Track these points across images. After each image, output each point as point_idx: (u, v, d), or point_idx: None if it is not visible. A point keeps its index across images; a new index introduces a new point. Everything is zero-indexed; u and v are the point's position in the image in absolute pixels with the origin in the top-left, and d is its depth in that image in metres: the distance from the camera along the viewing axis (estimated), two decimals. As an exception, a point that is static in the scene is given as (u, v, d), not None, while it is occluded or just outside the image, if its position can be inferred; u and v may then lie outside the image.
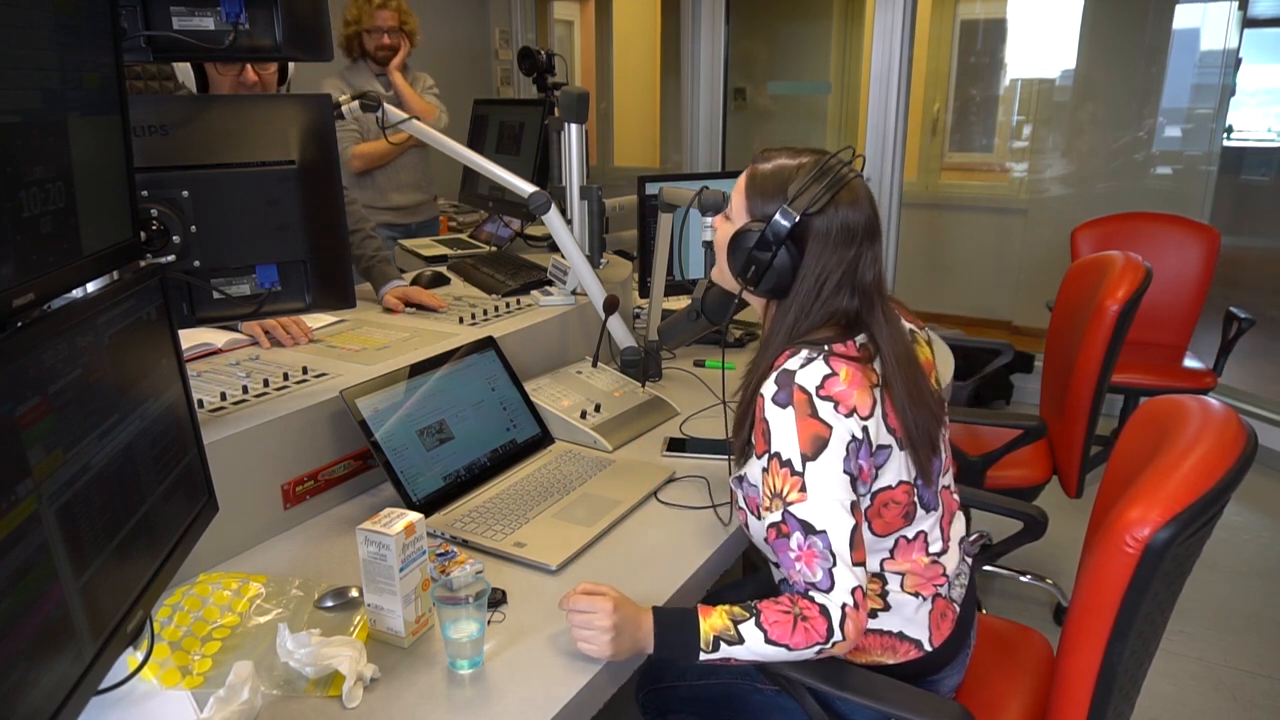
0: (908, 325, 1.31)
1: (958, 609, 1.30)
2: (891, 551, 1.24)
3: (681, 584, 1.28)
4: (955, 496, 1.37)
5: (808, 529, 1.11)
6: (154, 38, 1.25)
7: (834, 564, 1.10)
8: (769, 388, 1.16)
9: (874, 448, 1.16)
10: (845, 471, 1.12)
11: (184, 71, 2.01)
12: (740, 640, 1.09)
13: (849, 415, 1.13)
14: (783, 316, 1.23)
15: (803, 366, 1.16)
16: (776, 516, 1.14)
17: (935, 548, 1.27)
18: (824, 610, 1.08)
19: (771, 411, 1.15)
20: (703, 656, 1.10)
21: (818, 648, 1.08)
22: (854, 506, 1.13)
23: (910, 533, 1.24)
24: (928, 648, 1.26)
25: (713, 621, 1.10)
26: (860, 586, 1.10)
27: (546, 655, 1.11)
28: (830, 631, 1.08)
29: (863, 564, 1.13)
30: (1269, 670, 2.33)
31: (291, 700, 1.02)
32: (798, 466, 1.12)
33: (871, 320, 1.21)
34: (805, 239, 1.19)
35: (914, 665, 1.26)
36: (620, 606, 1.10)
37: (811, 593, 1.11)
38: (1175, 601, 1.22)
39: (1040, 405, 2.53)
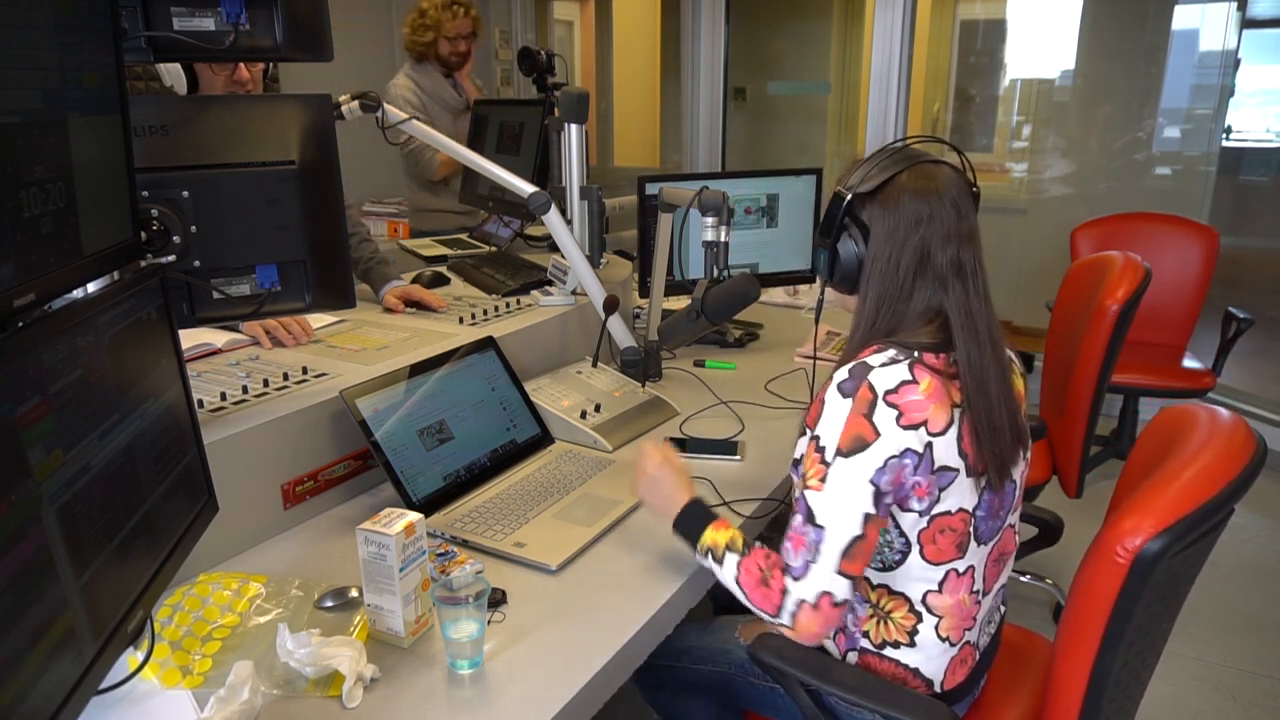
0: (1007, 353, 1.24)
1: (978, 656, 1.27)
2: (940, 585, 1.19)
3: (682, 583, 1.28)
4: (1016, 538, 1.31)
5: (809, 517, 1.11)
6: (154, 38, 1.25)
7: (815, 560, 1.10)
8: (841, 374, 1.14)
9: (935, 467, 1.11)
10: (872, 482, 1.09)
11: (174, 73, 2.01)
12: (720, 563, 1.19)
13: (914, 428, 1.09)
14: (862, 309, 1.20)
15: (884, 365, 1.11)
16: (796, 493, 1.15)
17: (979, 586, 1.23)
18: (784, 591, 1.12)
19: (832, 395, 1.13)
20: (695, 556, 1.24)
21: (766, 615, 1.14)
22: (869, 520, 1.10)
23: (961, 566, 1.19)
24: (938, 689, 1.24)
25: (715, 536, 1.21)
26: (830, 594, 1.10)
27: (546, 655, 1.11)
28: (780, 611, 1.12)
29: (852, 577, 1.11)
30: (1269, 670, 2.33)
31: (291, 700, 1.02)
32: (828, 456, 1.11)
33: (950, 307, 1.15)
34: (868, 223, 1.16)
35: None
36: (667, 468, 1.29)
37: (785, 572, 1.13)
38: (1176, 615, 1.20)
39: (1040, 405, 2.53)
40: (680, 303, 2.07)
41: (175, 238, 1.28)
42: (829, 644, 1.29)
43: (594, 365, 1.95)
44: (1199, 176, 4.22)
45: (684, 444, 1.73)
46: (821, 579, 1.10)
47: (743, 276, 1.66)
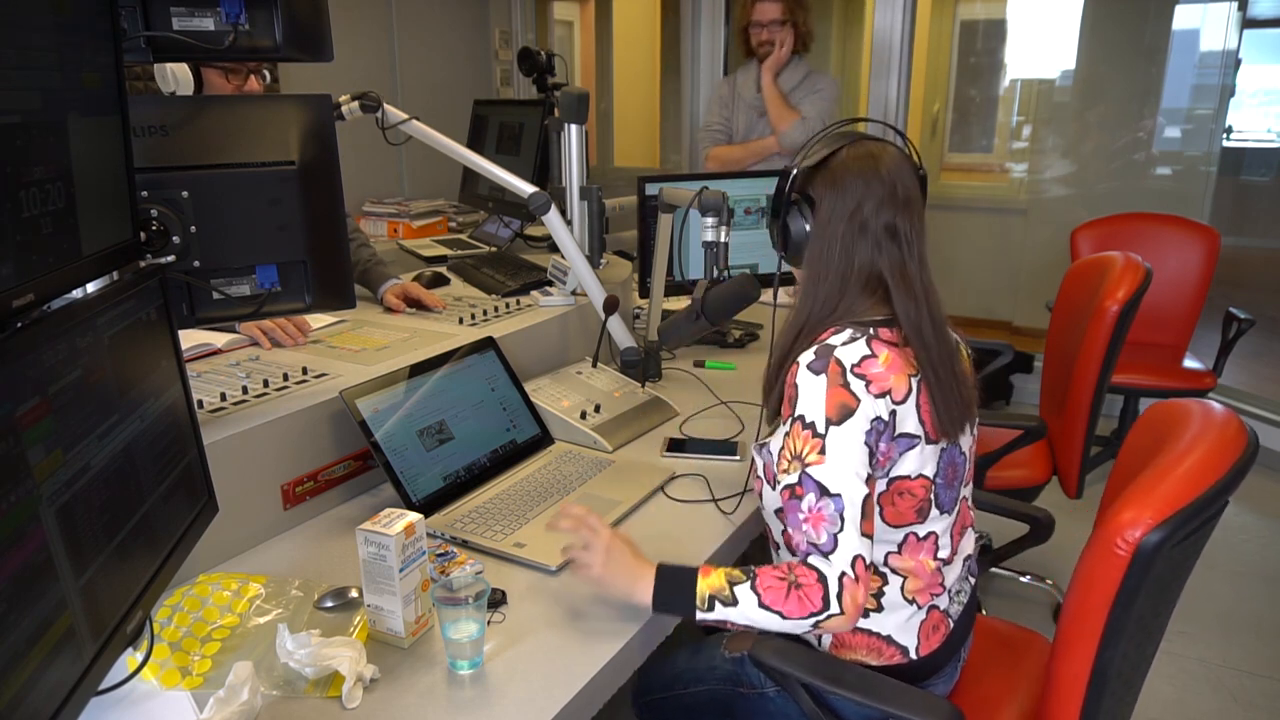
0: (953, 335, 1.31)
1: (951, 624, 1.30)
2: (899, 547, 1.24)
3: (681, 584, 1.27)
4: (971, 511, 1.37)
5: (823, 491, 1.11)
6: (154, 38, 1.25)
7: (841, 529, 1.10)
8: (806, 356, 1.18)
9: (895, 434, 1.16)
10: (865, 444, 1.13)
11: (183, 81, 2.00)
12: (734, 602, 1.10)
13: (880, 396, 1.15)
14: (810, 284, 1.25)
15: (845, 344, 1.18)
16: (793, 478, 1.14)
17: (944, 554, 1.27)
18: (822, 578, 1.09)
19: (804, 377, 1.16)
20: (698, 615, 1.12)
21: (813, 619, 1.08)
22: (869, 480, 1.14)
23: (921, 531, 1.23)
24: (913, 655, 1.25)
25: (710, 581, 1.12)
26: (863, 556, 1.10)
27: (546, 655, 1.11)
28: (826, 602, 1.08)
29: (870, 537, 1.13)
30: (1269, 671, 2.33)
31: (291, 700, 1.02)
32: (820, 429, 1.13)
33: (884, 267, 1.21)
34: (816, 196, 1.23)
35: (897, 671, 1.25)
36: (617, 540, 1.18)
37: (812, 557, 1.11)
38: (1173, 606, 1.21)
39: (1040, 405, 2.53)
40: (680, 303, 2.07)
41: (175, 238, 1.28)
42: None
43: (594, 365, 1.95)
44: (1199, 176, 4.22)
45: (683, 444, 1.73)
46: (851, 543, 1.10)
47: (743, 277, 1.66)
